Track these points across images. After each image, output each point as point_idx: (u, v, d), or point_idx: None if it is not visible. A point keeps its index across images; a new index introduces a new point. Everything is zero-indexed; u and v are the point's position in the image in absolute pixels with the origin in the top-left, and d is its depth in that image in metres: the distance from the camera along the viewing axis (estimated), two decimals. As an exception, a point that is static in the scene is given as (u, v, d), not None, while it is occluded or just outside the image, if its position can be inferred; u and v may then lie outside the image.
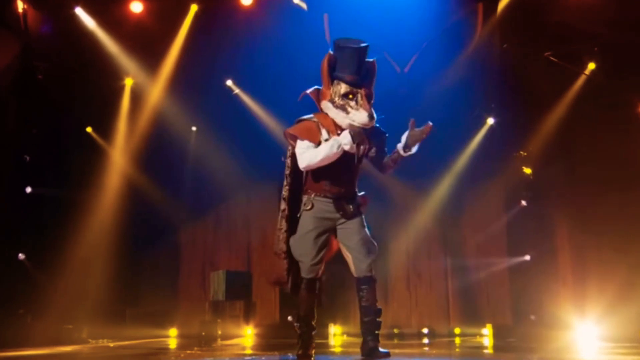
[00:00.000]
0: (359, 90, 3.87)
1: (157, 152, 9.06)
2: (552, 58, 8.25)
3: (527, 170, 8.70)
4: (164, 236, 9.45)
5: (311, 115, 4.07)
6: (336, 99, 3.89)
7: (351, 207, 4.03)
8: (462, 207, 9.28)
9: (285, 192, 4.09)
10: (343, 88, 3.89)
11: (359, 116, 3.87)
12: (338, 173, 4.01)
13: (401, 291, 9.40)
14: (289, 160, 4.14)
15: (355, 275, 4.04)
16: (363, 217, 4.08)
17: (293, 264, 4.12)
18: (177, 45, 8.42)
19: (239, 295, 8.39)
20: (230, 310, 8.30)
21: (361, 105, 3.86)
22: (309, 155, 3.95)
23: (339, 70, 3.91)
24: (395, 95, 8.14)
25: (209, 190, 9.45)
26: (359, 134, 3.86)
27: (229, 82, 9.15)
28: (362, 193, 4.11)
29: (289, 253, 4.09)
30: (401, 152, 3.98)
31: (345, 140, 3.88)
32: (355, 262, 4.02)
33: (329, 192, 4.01)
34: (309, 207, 3.99)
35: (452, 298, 9.21)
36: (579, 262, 8.39)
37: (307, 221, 4.01)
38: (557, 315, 7.63)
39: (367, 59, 3.96)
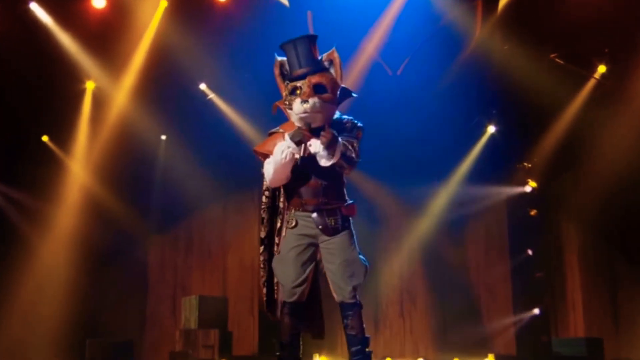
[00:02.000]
0: (304, 82, 3.83)
1: (122, 163, 9.02)
2: (558, 60, 8.31)
3: (532, 184, 8.77)
4: (130, 257, 9.39)
5: (278, 127, 4.05)
6: (286, 100, 3.90)
7: (332, 220, 3.92)
8: (461, 224, 9.33)
9: (262, 214, 4.06)
10: (289, 86, 3.88)
11: (295, 106, 3.84)
12: (312, 181, 3.92)
13: (394, 317, 9.41)
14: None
15: (337, 300, 3.97)
16: (350, 232, 3.96)
17: (274, 290, 4.08)
18: (145, 44, 8.39)
19: (214, 323, 8.29)
20: (204, 340, 8.17)
21: (300, 95, 3.82)
22: (266, 169, 3.94)
23: (288, 71, 3.94)
24: (387, 100, 8.19)
25: (180, 205, 9.43)
26: (297, 132, 3.80)
27: (203, 86, 9.13)
28: (350, 202, 3.98)
29: (269, 279, 4.06)
30: (320, 162, 3.86)
31: (287, 142, 3.83)
32: (335, 287, 3.92)
33: (308, 205, 3.93)
34: (292, 225, 3.94)
35: (450, 325, 9.21)
36: (590, 281, 8.44)
37: (288, 240, 3.96)
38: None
39: (314, 48, 3.92)
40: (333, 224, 3.91)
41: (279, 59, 3.96)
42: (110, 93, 8.78)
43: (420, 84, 8.49)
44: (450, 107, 8.52)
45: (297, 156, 3.86)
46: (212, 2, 8.22)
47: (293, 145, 3.80)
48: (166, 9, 8.22)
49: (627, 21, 7.58)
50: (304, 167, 3.89)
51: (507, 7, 8.11)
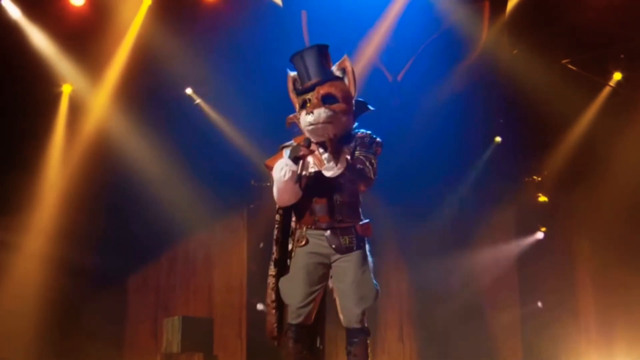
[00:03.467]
0: (312, 93, 3.93)
1: (101, 173, 8.90)
2: (570, 66, 8.36)
3: (543, 198, 8.86)
4: (108, 274, 9.20)
5: (292, 141, 4.09)
6: (299, 114, 3.99)
7: (347, 239, 3.92)
8: (465, 241, 9.32)
9: (275, 233, 4.07)
10: (299, 99, 4.00)
11: (301, 119, 3.94)
12: (326, 198, 3.94)
13: (392, 342, 9.41)
14: None
15: (343, 324, 3.95)
16: (364, 252, 3.96)
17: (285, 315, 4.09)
18: (127, 45, 8.36)
19: (198, 347, 8.20)
20: (187, 365, 8.14)
21: (308, 107, 3.90)
22: (273, 189, 3.96)
23: (299, 85, 4.06)
24: (387, 108, 8.17)
25: (163, 219, 9.22)
26: (296, 147, 3.86)
27: (189, 91, 9.10)
28: (366, 220, 3.99)
29: (279, 303, 4.05)
30: (324, 172, 3.88)
31: (285, 159, 3.88)
32: (343, 309, 3.92)
33: (320, 223, 3.95)
34: (302, 243, 3.96)
35: (454, 350, 9.16)
36: (605, 304, 8.44)
37: (298, 258, 3.98)
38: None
39: (324, 57, 4.02)
40: (347, 243, 3.92)
41: (292, 74, 4.07)
42: (88, 97, 8.71)
43: (422, 90, 8.51)
44: (454, 116, 8.52)
45: (305, 172, 3.90)
46: (200, 1, 8.23)
47: (291, 162, 3.83)
48: (150, 7, 8.20)
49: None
50: (317, 182, 3.90)
51: (516, 8, 8.13)
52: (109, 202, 9.10)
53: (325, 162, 3.82)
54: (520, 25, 8.16)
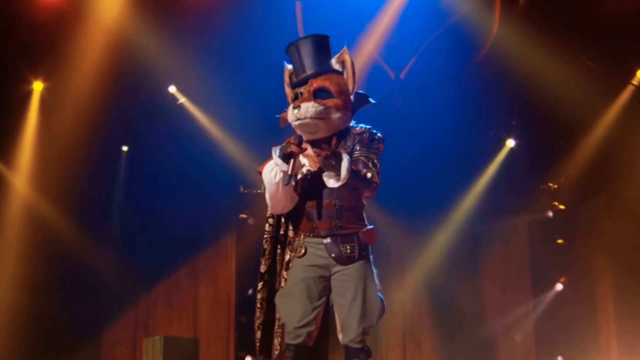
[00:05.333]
0: (305, 86, 3.92)
1: (76, 179, 8.87)
2: (590, 63, 8.26)
3: (559, 207, 8.89)
4: (82, 289, 9.14)
5: (284, 144, 4.01)
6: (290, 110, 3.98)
7: (348, 247, 3.85)
8: (474, 254, 9.28)
9: (264, 244, 4.04)
10: (292, 93, 4.01)
11: (288, 114, 3.92)
12: (325, 201, 3.89)
13: None
14: None
15: (342, 343, 3.87)
16: (368, 262, 3.92)
17: (272, 334, 4.05)
18: (103, 39, 8.27)
19: (181, 369, 8.27)
20: (170, 390, 8.14)
21: (296, 101, 3.89)
22: (266, 195, 3.92)
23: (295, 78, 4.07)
24: (389, 108, 8.13)
25: (143, 230, 9.28)
26: (285, 145, 3.81)
27: (172, 89, 9.04)
28: (370, 227, 3.95)
29: (266, 320, 4.03)
30: (327, 184, 3.82)
31: (275, 159, 3.84)
32: (342, 327, 3.85)
33: (319, 230, 3.89)
34: (301, 253, 3.90)
35: (461, 374, 9.21)
36: (628, 326, 8.36)
37: (295, 271, 3.93)
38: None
39: (322, 49, 4.00)
40: (349, 252, 3.86)
41: (289, 66, 4.07)
42: (61, 95, 8.63)
43: (427, 90, 8.49)
44: (462, 117, 8.51)
45: (299, 175, 3.88)
46: (184, -9, 8.30)
47: (280, 161, 3.77)
48: (129, -2, 8.22)
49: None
50: (314, 185, 3.87)
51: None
52: (84, 209, 9.03)
53: (324, 169, 3.74)
54: (536, 17, 8.04)
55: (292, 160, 3.73)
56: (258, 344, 4.01)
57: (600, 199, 8.48)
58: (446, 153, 8.64)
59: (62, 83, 8.57)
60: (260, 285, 3.99)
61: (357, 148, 3.87)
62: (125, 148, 9.40)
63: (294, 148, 3.74)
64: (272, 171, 3.80)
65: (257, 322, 4.00)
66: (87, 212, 9.09)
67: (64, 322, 9.05)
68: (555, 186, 8.85)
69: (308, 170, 3.88)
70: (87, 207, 9.09)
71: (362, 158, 3.85)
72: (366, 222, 3.94)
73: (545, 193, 8.87)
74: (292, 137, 3.84)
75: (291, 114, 3.85)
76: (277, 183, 3.78)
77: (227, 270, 9.25)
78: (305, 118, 3.79)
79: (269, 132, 4.28)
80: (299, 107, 3.80)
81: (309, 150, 3.91)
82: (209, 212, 9.03)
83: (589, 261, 8.67)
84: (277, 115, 4.05)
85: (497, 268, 9.27)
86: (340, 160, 3.66)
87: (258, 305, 3.99)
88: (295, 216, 3.96)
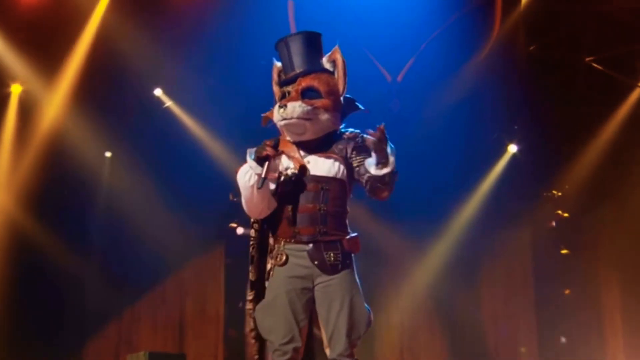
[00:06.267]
0: (293, 85, 3.89)
1: (56, 187, 8.87)
2: (595, 65, 8.25)
3: (564, 215, 8.86)
4: (62, 303, 9.13)
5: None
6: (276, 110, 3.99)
7: (332, 255, 3.82)
8: (475, 264, 9.27)
9: (251, 250, 3.99)
10: (279, 92, 3.98)
11: (274, 114, 3.91)
12: (309, 205, 3.84)
13: None
14: None
15: (329, 357, 3.80)
16: (353, 271, 3.88)
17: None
18: (86, 40, 8.28)
19: (167, 387, 8.24)
20: (154, 410, 8.10)
21: (283, 100, 3.87)
22: (242, 199, 3.89)
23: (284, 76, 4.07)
24: (385, 112, 8.08)
25: (126, 240, 9.21)
26: (260, 147, 3.78)
27: (158, 92, 9.03)
28: (353, 234, 3.92)
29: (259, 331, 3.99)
30: (372, 171, 3.78)
31: (249, 162, 3.82)
32: (330, 341, 3.79)
33: (301, 235, 3.84)
34: (282, 261, 3.83)
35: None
36: (636, 342, 8.34)
37: (277, 282, 3.86)
38: None
39: (313, 47, 3.99)
40: (332, 259, 3.82)
41: (278, 64, 4.05)
42: (41, 99, 8.63)
43: (425, 93, 8.48)
44: (462, 121, 8.51)
45: (282, 176, 3.84)
46: (171, -11, 8.30)
47: (254, 164, 3.75)
48: (112, -2, 8.21)
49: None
50: (297, 188, 3.83)
51: (534, -1, 8.17)
52: (65, 217, 9.01)
53: (372, 159, 3.71)
54: (538, 18, 8.11)
55: (266, 163, 3.71)
56: (257, 357, 3.95)
57: (606, 207, 8.49)
58: (445, 159, 8.60)
59: (42, 86, 8.53)
60: (251, 294, 3.95)
61: (354, 154, 3.85)
62: (108, 154, 9.35)
63: (269, 150, 3.71)
64: (247, 174, 3.77)
65: (252, 334, 3.95)
66: (67, 221, 9.04)
67: (43, 338, 8.96)
68: (559, 193, 8.85)
69: (293, 173, 3.84)
70: (67, 215, 9.05)
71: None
72: (349, 230, 3.91)
73: (548, 200, 8.88)
74: (268, 139, 3.79)
75: (277, 114, 3.83)
76: (252, 186, 3.76)
77: (216, 283, 9.25)
78: (291, 118, 3.78)
79: (259, 138, 4.23)
80: (285, 106, 3.78)
81: (294, 152, 3.88)
82: (196, 221, 9.00)
83: (594, 272, 8.68)
84: (262, 115, 4.00)
85: (499, 279, 9.26)
86: (386, 144, 3.63)
87: (249, 312, 3.94)
88: (275, 221, 3.91)
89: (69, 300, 9.19)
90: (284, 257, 3.83)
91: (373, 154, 3.69)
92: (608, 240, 8.54)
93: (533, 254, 9.03)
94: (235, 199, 4.15)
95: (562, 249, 8.77)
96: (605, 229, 8.48)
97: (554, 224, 8.92)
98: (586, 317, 8.61)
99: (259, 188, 3.73)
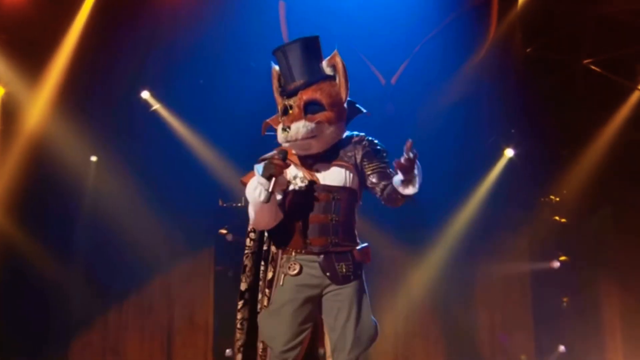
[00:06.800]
0: (294, 99, 3.93)
1: (40, 191, 8.79)
2: (593, 67, 8.29)
3: (561, 221, 8.91)
4: (45, 311, 9.06)
5: (274, 152, 4.02)
6: (279, 119, 4.03)
7: (343, 266, 3.90)
8: (471, 271, 9.25)
9: (244, 260, 4.07)
10: (281, 105, 4.01)
11: (278, 134, 3.97)
12: (320, 215, 3.91)
13: None
14: None
15: None
16: (362, 283, 3.96)
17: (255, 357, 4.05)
18: (70, 42, 8.27)
19: (154, 399, 8.22)
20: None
21: (286, 120, 3.90)
22: (249, 210, 3.94)
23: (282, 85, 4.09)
24: (379, 115, 8.07)
25: (112, 246, 9.14)
26: (268, 164, 3.82)
27: (145, 94, 9.00)
28: (364, 245, 4.01)
29: (248, 342, 4.04)
30: (400, 190, 3.79)
31: (257, 177, 3.88)
32: (334, 349, 3.88)
33: (313, 246, 3.91)
34: (296, 271, 3.89)
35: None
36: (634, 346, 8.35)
37: (286, 289, 3.93)
38: None
39: (311, 53, 4.01)
40: (344, 271, 3.90)
41: (277, 68, 4.09)
42: (24, 102, 8.57)
43: (420, 96, 8.48)
44: (457, 125, 8.54)
45: (294, 187, 3.90)
46: (159, -12, 8.33)
47: (264, 181, 3.80)
48: (98, -2, 8.23)
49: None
50: (307, 198, 3.89)
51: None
52: (49, 223, 8.96)
53: (399, 176, 3.74)
54: (536, 19, 8.12)
55: (273, 179, 3.76)
56: None
57: (606, 213, 8.54)
58: (440, 164, 8.34)
59: (25, 88, 8.48)
60: (240, 304, 3.98)
61: (366, 162, 3.92)
62: (94, 158, 9.28)
63: (279, 169, 3.77)
64: (256, 190, 3.80)
65: (238, 343, 4.00)
66: (51, 226, 8.97)
67: (26, 347, 8.91)
68: (557, 199, 8.88)
69: (303, 183, 3.89)
70: (51, 220, 8.98)
71: (379, 169, 3.92)
72: (358, 240, 3.98)
73: (546, 206, 8.90)
74: (277, 153, 3.85)
75: (281, 136, 3.88)
76: (258, 200, 3.80)
77: (205, 291, 9.17)
78: (296, 140, 3.83)
79: (250, 141, 4.22)
80: (288, 128, 3.82)
81: (299, 163, 3.92)
82: (184, 227, 8.95)
83: (593, 281, 8.67)
84: (266, 121, 4.03)
85: (496, 286, 9.23)
86: (414, 166, 3.67)
87: (238, 325, 4.00)
88: (285, 231, 3.94)
89: (52, 307, 9.12)
90: (297, 268, 3.89)
91: (399, 172, 3.69)
92: (607, 247, 8.55)
93: (530, 261, 9.02)
94: (224, 205, 4.16)
95: (561, 256, 8.77)
96: (604, 235, 8.50)
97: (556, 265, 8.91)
98: (585, 325, 8.61)
99: (265, 203, 3.77)
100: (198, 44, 8.13)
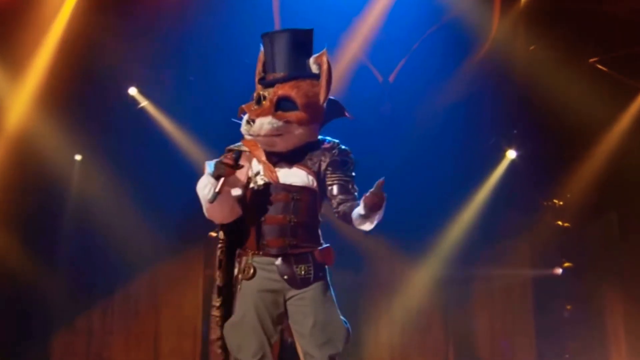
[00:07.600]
0: (268, 90, 3.91)
1: (22, 192, 8.77)
2: (599, 66, 8.33)
3: (565, 225, 8.93)
4: (27, 316, 9.04)
5: (239, 143, 4.05)
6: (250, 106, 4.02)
7: (302, 268, 3.86)
8: (471, 277, 9.27)
9: (218, 255, 4.02)
10: (256, 93, 3.99)
11: (242, 125, 3.92)
12: (278, 216, 3.87)
13: None
14: None
15: None
16: (326, 284, 3.92)
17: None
18: (55, 36, 8.21)
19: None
20: None
21: (251, 113, 3.88)
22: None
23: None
24: (376, 114, 8.16)
25: (97, 248, 9.15)
26: (219, 165, 3.80)
27: (133, 91, 8.99)
28: (326, 245, 3.97)
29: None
30: (355, 222, 3.81)
31: (206, 177, 3.87)
32: (305, 356, 3.86)
33: (269, 248, 3.87)
34: (250, 274, 3.87)
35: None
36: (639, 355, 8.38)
37: (245, 297, 3.89)
38: None
39: (300, 46, 3.98)
40: (303, 273, 3.87)
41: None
42: (5, 99, 8.49)
43: (419, 94, 8.49)
44: (457, 125, 8.56)
45: (253, 185, 3.87)
46: (147, -20, 8.30)
47: (213, 180, 3.79)
48: (84, -13, 8.17)
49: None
50: (265, 197, 3.86)
51: (534, -5, 8.22)
52: (31, 225, 8.89)
53: (359, 212, 3.71)
54: (539, 16, 8.12)
55: (221, 179, 3.74)
56: None
57: (610, 217, 8.57)
58: (440, 165, 8.60)
59: (7, 85, 8.43)
60: (218, 301, 3.97)
61: (330, 169, 3.88)
62: (78, 157, 9.27)
63: (229, 171, 3.75)
64: (205, 187, 3.79)
65: (218, 342, 3.97)
66: (34, 228, 8.93)
67: (6, 353, 8.84)
68: (561, 202, 8.91)
69: (262, 181, 3.87)
70: (34, 222, 8.92)
71: (342, 182, 3.87)
72: (322, 241, 3.94)
73: (549, 210, 8.93)
74: (229, 155, 3.84)
75: (244, 127, 3.85)
76: (209, 201, 3.81)
77: (194, 295, 9.20)
78: (257, 135, 3.81)
79: (239, 139, 4.17)
80: (253, 121, 3.80)
81: (265, 160, 3.89)
82: (173, 229, 8.99)
83: (598, 287, 8.71)
84: (241, 106, 3.99)
85: (496, 293, 9.26)
86: (382, 206, 3.64)
87: (216, 320, 3.97)
88: (241, 231, 3.94)
89: (33, 311, 9.07)
90: (251, 271, 3.86)
91: (364, 208, 3.65)
92: (612, 253, 8.57)
93: (532, 267, 9.06)
94: (216, 235, 4.18)
95: (564, 262, 8.81)
96: (609, 241, 8.53)
97: (559, 271, 8.94)
98: (588, 333, 8.64)
99: (210, 202, 3.75)
100: (188, 40, 8.14)
